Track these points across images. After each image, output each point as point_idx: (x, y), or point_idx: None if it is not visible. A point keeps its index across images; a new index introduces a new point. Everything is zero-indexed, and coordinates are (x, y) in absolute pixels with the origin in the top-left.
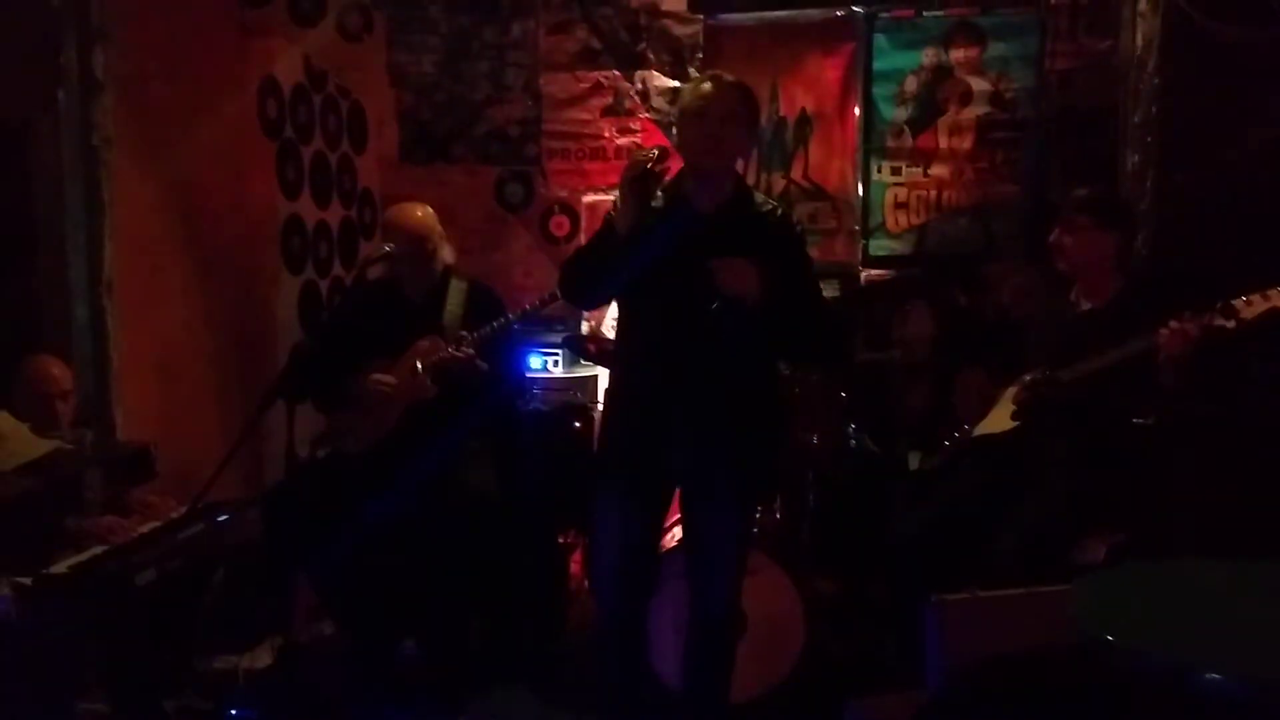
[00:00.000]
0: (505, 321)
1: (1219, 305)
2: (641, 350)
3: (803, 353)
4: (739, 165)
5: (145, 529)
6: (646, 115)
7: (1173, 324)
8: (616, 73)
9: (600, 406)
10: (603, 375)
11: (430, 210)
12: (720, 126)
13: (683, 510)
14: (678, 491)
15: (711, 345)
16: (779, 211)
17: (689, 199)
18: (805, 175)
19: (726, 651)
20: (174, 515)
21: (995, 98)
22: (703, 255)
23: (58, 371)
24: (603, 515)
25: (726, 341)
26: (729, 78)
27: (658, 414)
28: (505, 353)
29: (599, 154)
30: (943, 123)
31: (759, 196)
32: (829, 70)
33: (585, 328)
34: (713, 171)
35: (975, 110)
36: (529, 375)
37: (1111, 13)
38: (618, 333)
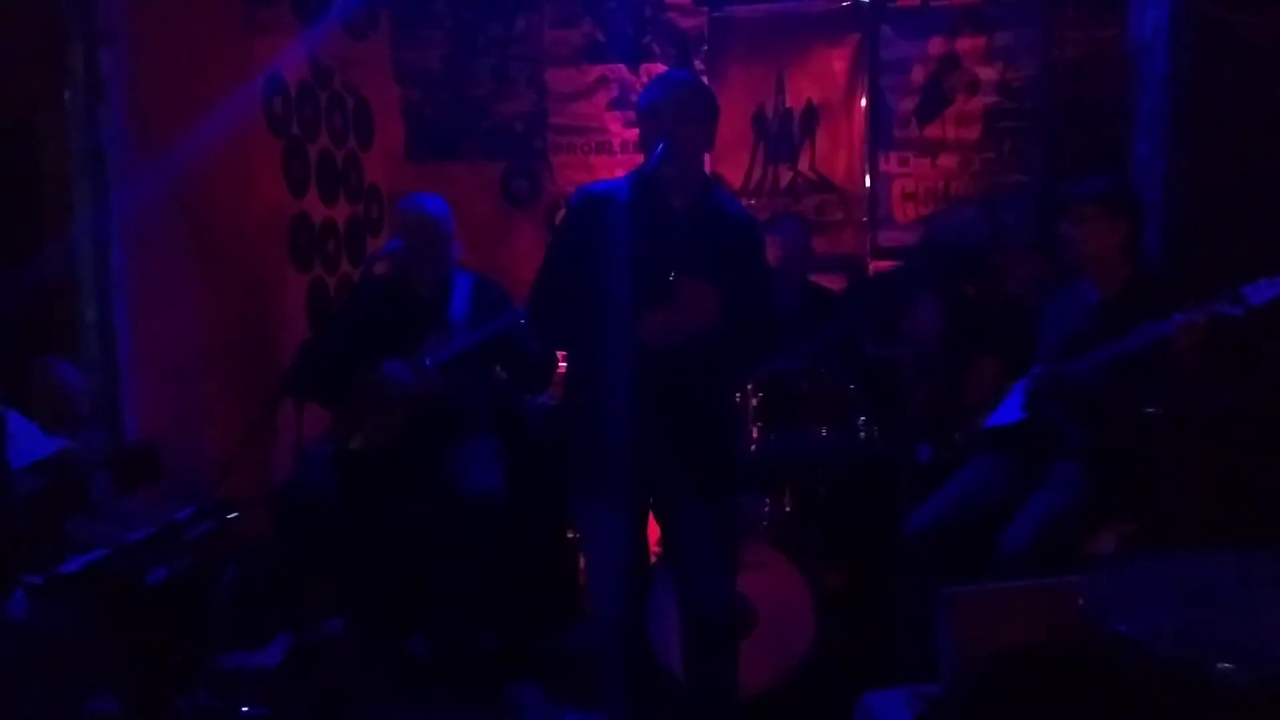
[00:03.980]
0: (514, 316)
1: (1227, 293)
2: (609, 350)
3: (751, 356)
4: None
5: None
6: None
7: (1182, 313)
8: (621, 66)
9: None
10: None
11: (443, 201)
12: (675, 126)
13: (657, 516)
14: None
15: (681, 344)
16: (741, 207)
17: (661, 197)
18: (812, 167)
19: (727, 649)
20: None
21: (1002, 87)
22: (676, 254)
23: (70, 373)
24: (587, 525)
25: (695, 341)
26: (680, 74)
27: (626, 420)
28: (516, 348)
29: (604, 148)
30: (950, 113)
31: (724, 192)
32: (835, 61)
33: None
34: (683, 170)
35: (982, 100)
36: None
37: (1119, 0)
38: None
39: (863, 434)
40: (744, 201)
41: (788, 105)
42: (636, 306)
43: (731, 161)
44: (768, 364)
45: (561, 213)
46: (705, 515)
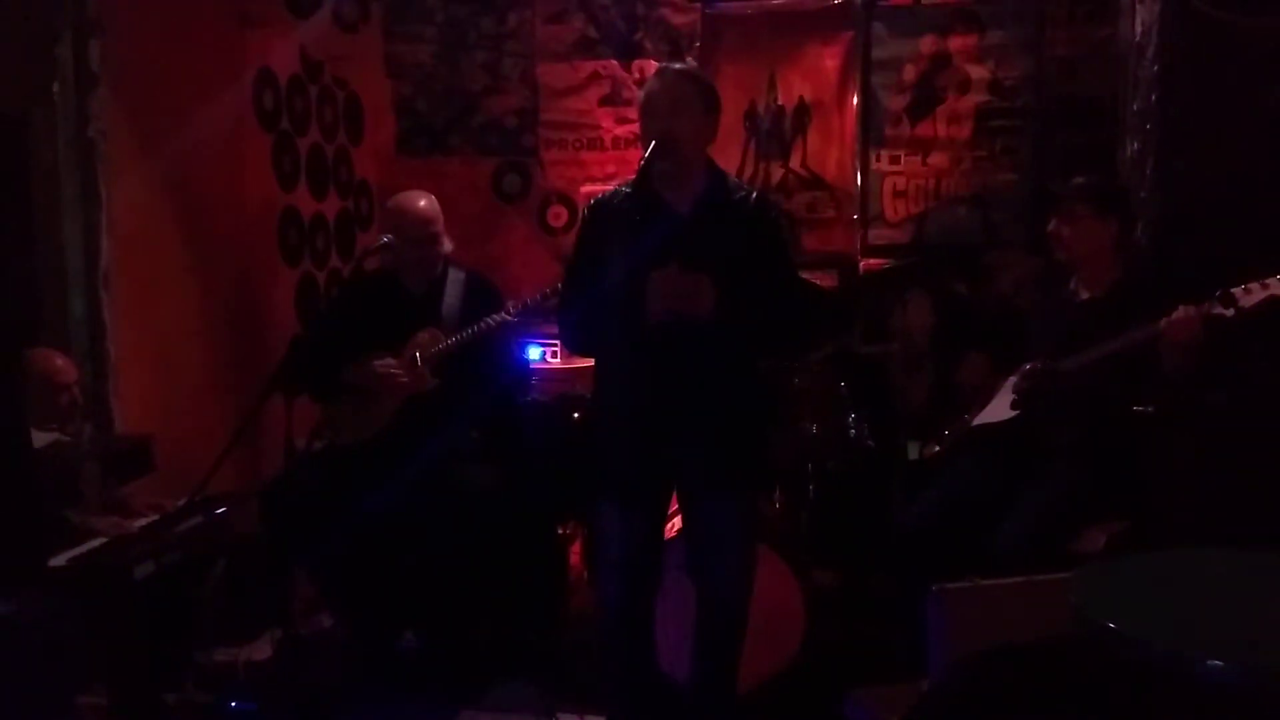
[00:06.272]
0: (505, 317)
1: (1218, 294)
2: (628, 354)
3: (780, 342)
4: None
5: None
6: None
7: (1173, 313)
8: (614, 62)
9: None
10: None
11: (433, 198)
12: (670, 120)
13: (683, 507)
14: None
15: (698, 341)
16: (754, 196)
17: (664, 200)
18: (803, 164)
19: (736, 645)
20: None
21: (994, 86)
22: (685, 258)
23: (62, 364)
24: (603, 518)
25: (712, 337)
26: (677, 66)
27: (650, 414)
28: (506, 346)
29: (596, 144)
30: (941, 111)
31: (733, 182)
32: (827, 59)
33: None
34: (680, 166)
35: (974, 98)
36: (528, 367)
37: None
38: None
39: (853, 431)
40: None
41: (780, 102)
42: (639, 306)
43: (723, 158)
44: (812, 346)
45: (552, 208)
46: (728, 508)
